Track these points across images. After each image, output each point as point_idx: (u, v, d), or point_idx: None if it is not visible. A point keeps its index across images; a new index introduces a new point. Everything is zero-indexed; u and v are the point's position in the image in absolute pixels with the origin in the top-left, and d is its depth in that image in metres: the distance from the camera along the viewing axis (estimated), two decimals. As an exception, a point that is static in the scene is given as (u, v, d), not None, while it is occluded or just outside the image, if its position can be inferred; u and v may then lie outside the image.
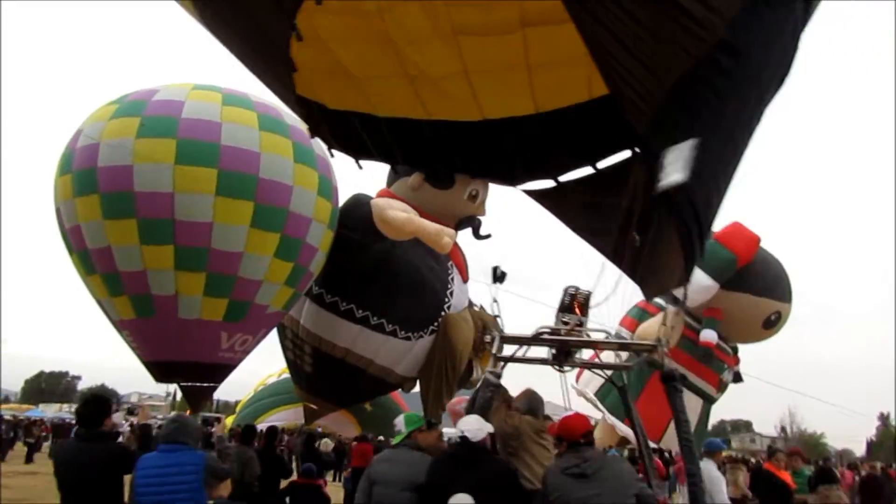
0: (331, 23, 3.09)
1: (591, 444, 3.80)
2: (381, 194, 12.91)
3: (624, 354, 5.40)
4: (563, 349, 4.97)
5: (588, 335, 4.79)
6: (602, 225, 4.02)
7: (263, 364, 20.17)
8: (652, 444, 17.05)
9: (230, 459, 4.30)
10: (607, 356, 5.81)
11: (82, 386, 77.61)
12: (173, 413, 6.35)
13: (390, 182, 13.07)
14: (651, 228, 3.95)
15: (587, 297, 4.68)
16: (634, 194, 3.71)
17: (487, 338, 5.35)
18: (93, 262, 10.32)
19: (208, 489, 4.00)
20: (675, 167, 3.33)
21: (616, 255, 4.28)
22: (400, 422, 4.53)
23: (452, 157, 4.04)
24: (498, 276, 5.95)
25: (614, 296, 4.54)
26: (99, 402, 4.41)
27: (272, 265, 10.73)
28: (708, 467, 6.84)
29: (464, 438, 3.89)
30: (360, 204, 12.34)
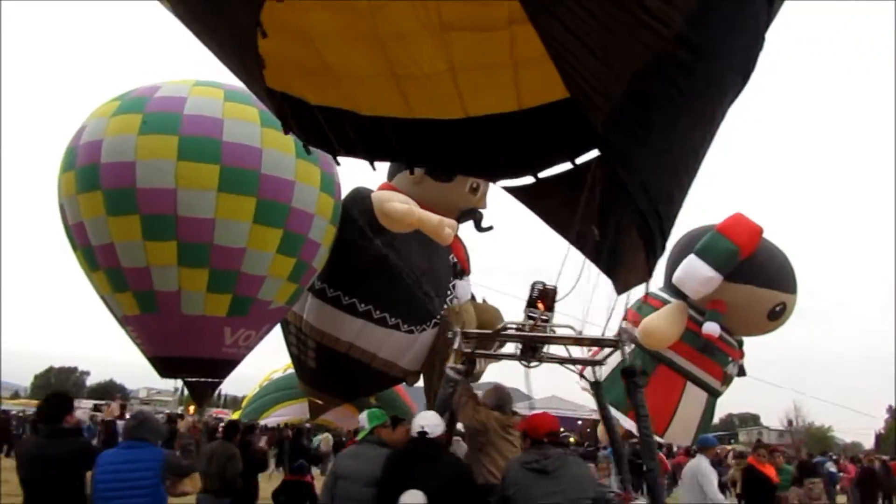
0: (319, 20, 3.09)
1: (554, 444, 3.81)
2: (382, 188, 12.93)
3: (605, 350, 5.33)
4: (529, 344, 4.98)
5: (553, 330, 4.78)
6: (595, 224, 4.02)
7: (273, 358, 20.28)
8: (656, 439, 17.08)
9: (192, 456, 4.32)
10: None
11: (91, 381, 78.20)
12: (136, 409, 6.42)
13: (391, 175, 13.09)
14: (610, 224, 3.96)
15: (553, 291, 4.68)
16: (592, 188, 3.72)
17: (449, 334, 5.34)
18: (96, 258, 10.40)
19: (170, 486, 3.99)
20: (633, 162, 3.34)
21: (589, 250, 4.28)
22: (363, 418, 4.57)
23: (426, 153, 4.05)
24: (457, 273, 5.88)
25: (583, 290, 4.54)
26: (60, 399, 4.41)
27: (275, 261, 10.79)
28: (700, 462, 6.91)
29: (422, 434, 3.92)
30: (361, 197, 12.38)
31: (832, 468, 15.40)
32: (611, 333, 4.84)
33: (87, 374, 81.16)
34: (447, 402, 4.71)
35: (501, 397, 4.90)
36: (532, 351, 5.04)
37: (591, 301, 4.60)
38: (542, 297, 4.65)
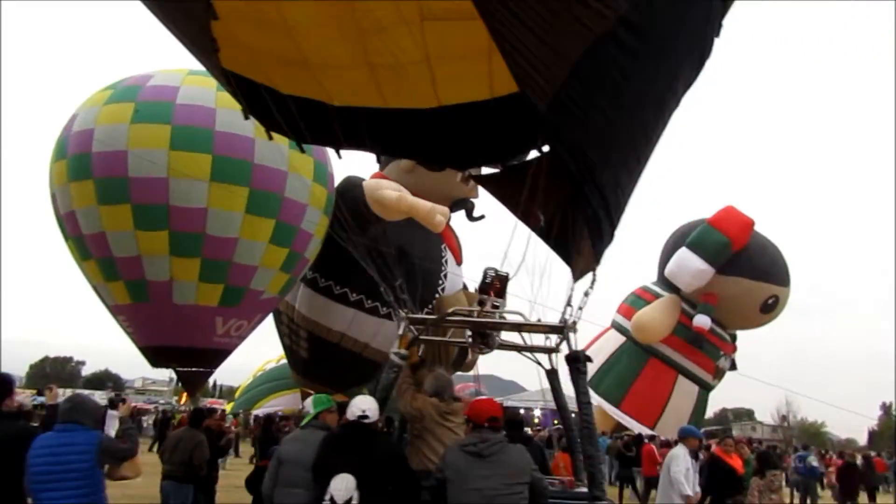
0: (301, 11, 3.08)
1: (495, 429, 3.80)
2: (374, 177, 12.95)
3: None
4: (478, 331, 4.98)
5: (503, 317, 4.78)
6: (541, 209, 3.96)
7: (268, 349, 20.31)
8: (647, 431, 17.13)
9: (131, 440, 4.25)
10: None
11: (86, 371, 78.15)
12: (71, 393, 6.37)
13: (383, 165, 13.10)
14: (557, 210, 3.94)
15: (505, 278, 4.69)
16: (537, 174, 3.70)
17: (395, 319, 5.32)
18: (88, 247, 10.38)
19: (109, 470, 3.92)
20: (578, 145, 3.30)
21: (547, 236, 4.24)
22: (309, 403, 4.57)
23: (394, 143, 4.03)
24: (401, 256, 5.79)
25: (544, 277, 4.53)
26: None
27: (267, 251, 10.79)
28: (676, 450, 7.00)
29: (362, 417, 3.90)
30: (352, 186, 12.39)
31: (815, 462, 15.51)
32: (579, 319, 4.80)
33: (83, 363, 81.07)
34: (390, 387, 4.73)
35: (440, 384, 4.89)
36: (482, 337, 5.04)
37: (539, 287, 4.60)
38: (494, 284, 4.68)
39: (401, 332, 4.90)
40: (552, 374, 5.13)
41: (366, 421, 3.91)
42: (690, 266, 16.95)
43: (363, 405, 3.96)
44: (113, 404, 9.72)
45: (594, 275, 4.31)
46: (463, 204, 13.26)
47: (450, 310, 5.05)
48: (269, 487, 4.18)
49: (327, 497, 3.52)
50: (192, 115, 10.18)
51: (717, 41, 3.49)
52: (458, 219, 13.70)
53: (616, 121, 3.31)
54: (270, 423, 10.36)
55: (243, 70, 3.66)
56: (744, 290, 17.28)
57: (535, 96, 3.04)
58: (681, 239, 17.76)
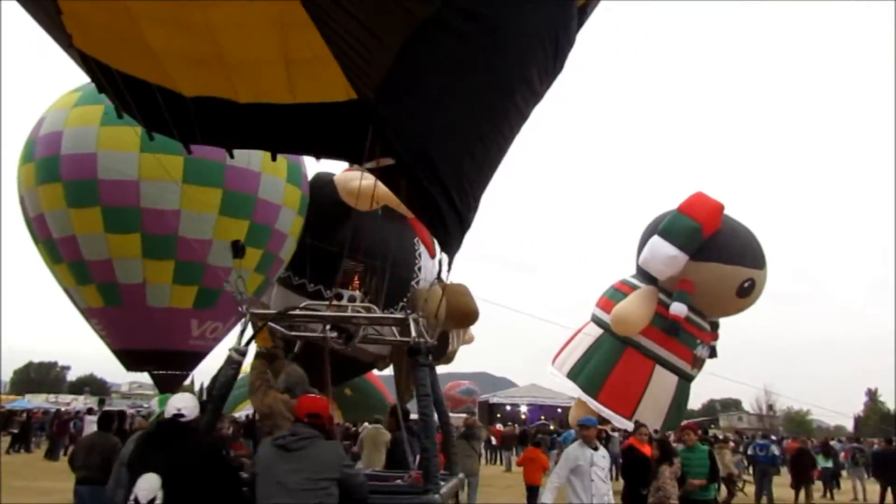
0: (226, 11, 3.07)
1: (315, 426, 3.78)
2: (344, 172, 12.95)
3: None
4: (334, 325, 4.98)
5: (359, 310, 4.78)
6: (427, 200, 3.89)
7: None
8: (626, 423, 17.17)
9: None
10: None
11: (72, 376, 77.62)
12: None
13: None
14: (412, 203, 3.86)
15: (360, 272, 4.67)
16: (375, 165, 3.69)
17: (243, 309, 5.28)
18: (59, 251, 10.32)
19: None
20: (411, 136, 3.28)
21: (430, 228, 4.18)
22: (154, 403, 4.52)
23: (284, 137, 4.02)
24: (238, 250, 5.61)
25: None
26: None
27: (242, 252, 10.75)
28: (574, 443, 6.84)
29: (178, 416, 3.83)
30: (322, 183, 12.38)
31: (776, 451, 15.66)
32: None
33: (68, 368, 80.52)
34: (228, 384, 4.70)
35: (292, 381, 4.86)
36: (341, 332, 5.06)
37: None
38: (351, 277, 4.66)
39: (241, 326, 4.87)
40: (416, 366, 5.10)
41: (181, 419, 3.82)
42: (662, 253, 17.02)
43: (180, 403, 3.88)
44: (91, 411, 9.72)
45: (441, 266, 4.23)
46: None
47: (303, 304, 5.05)
48: (112, 488, 4.14)
49: (132, 497, 3.45)
50: (163, 116, 10.10)
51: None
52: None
53: (453, 108, 3.27)
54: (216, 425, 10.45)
55: (148, 75, 3.64)
56: (719, 275, 17.34)
57: (362, 84, 3.00)
58: (654, 229, 17.85)
